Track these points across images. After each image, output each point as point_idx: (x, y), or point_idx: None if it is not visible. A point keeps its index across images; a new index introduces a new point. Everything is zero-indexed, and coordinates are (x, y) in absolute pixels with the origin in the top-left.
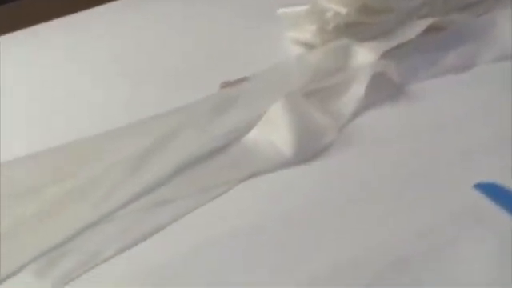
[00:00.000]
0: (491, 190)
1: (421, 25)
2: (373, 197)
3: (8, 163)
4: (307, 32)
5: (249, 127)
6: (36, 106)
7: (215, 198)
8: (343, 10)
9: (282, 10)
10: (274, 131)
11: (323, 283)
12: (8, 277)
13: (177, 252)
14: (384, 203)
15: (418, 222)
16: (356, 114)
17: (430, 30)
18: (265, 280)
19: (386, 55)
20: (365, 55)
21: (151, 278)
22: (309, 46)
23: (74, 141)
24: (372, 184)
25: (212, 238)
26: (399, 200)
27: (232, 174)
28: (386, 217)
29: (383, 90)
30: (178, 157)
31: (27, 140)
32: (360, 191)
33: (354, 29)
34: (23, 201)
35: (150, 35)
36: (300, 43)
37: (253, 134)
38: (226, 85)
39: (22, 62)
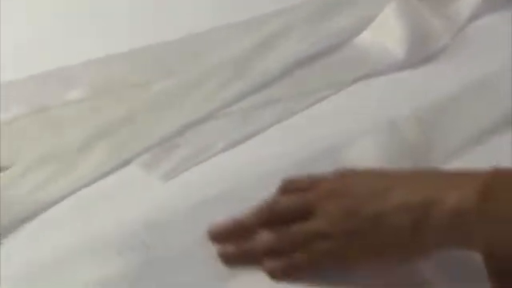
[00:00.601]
0: None
1: None
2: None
3: (116, 57)
4: None
5: (361, 28)
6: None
7: (324, 99)
8: None
9: None
10: (386, 33)
11: None
12: (116, 169)
13: (281, 151)
14: None
15: None
16: (471, 19)
17: None
18: None
19: None
20: None
21: (255, 174)
22: None
23: (182, 37)
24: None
25: (318, 139)
26: None
27: (342, 76)
28: None
29: None
30: (287, 56)
31: (133, 36)
32: (472, 97)
33: None
34: (132, 95)
35: None
36: None
37: (365, 36)
38: None
39: None
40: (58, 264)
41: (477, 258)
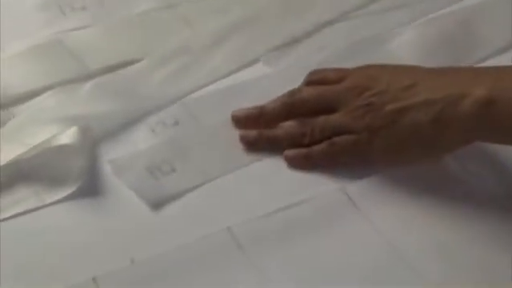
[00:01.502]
0: None
1: None
2: None
3: None
4: None
5: None
6: None
7: (449, 5)
8: None
9: None
10: None
11: None
12: (243, 67)
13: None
14: None
15: None
16: None
17: None
18: None
19: None
20: None
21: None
22: None
23: None
24: None
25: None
26: None
27: None
28: None
29: None
30: None
31: None
32: None
33: None
34: None
35: None
36: None
37: None
38: None
39: None
40: None
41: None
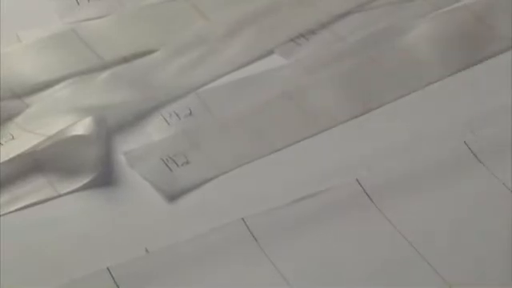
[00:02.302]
0: None
1: None
2: None
3: None
4: None
5: None
6: None
7: None
8: None
9: None
10: None
11: None
12: (258, 59)
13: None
14: None
15: None
16: None
17: None
18: None
19: None
20: None
21: None
22: None
23: None
24: None
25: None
26: None
27: None
28: None
29: None
30: None
31: None
32: None
33: None
34: None
35: None
36: None
37: None
38: None
39: None
40: None
41: None
